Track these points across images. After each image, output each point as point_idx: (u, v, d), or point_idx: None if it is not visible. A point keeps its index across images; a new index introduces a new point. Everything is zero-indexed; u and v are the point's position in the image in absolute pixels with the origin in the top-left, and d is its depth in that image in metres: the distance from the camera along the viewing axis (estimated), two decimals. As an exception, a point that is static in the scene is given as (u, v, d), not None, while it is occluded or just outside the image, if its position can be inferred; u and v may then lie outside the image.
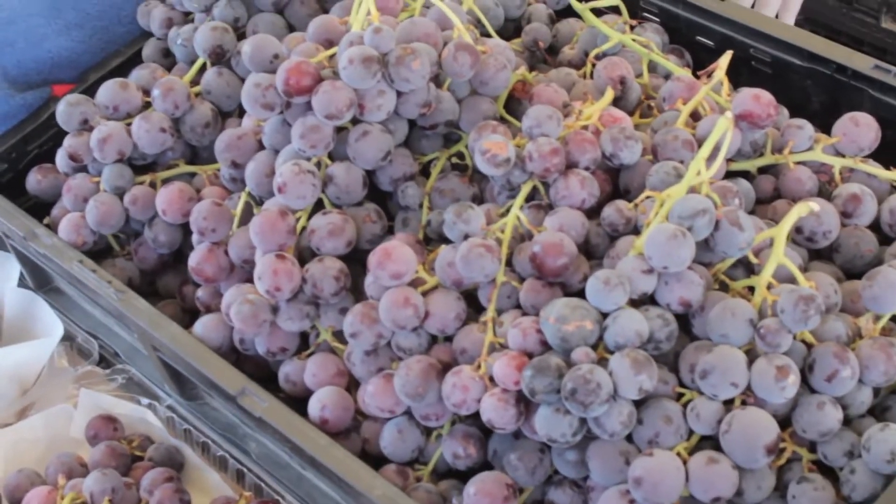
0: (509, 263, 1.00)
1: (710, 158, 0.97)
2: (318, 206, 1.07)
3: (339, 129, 1.07)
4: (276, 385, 1.08)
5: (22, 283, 1.30)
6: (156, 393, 1.19)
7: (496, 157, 1.01)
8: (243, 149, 1.13)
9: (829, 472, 0.92)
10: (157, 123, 1.18)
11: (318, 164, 1.07)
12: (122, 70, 1.30)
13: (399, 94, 1.06)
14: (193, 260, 1.12)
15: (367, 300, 1.02)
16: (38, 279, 1.29)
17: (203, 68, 1.22)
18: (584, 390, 0.87)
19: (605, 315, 0.92)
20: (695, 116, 1.08)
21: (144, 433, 1.17)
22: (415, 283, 1.00)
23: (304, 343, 1.08)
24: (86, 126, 1.21)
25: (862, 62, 1.14)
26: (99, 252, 1.22)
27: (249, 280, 1.10)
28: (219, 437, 1.14)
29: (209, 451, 1.14)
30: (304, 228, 1.06)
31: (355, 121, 1.06)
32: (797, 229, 0.99)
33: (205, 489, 1.13)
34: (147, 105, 1.21)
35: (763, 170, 1.09)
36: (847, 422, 0.92)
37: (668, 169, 0.99)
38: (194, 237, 1.14)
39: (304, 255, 1.06)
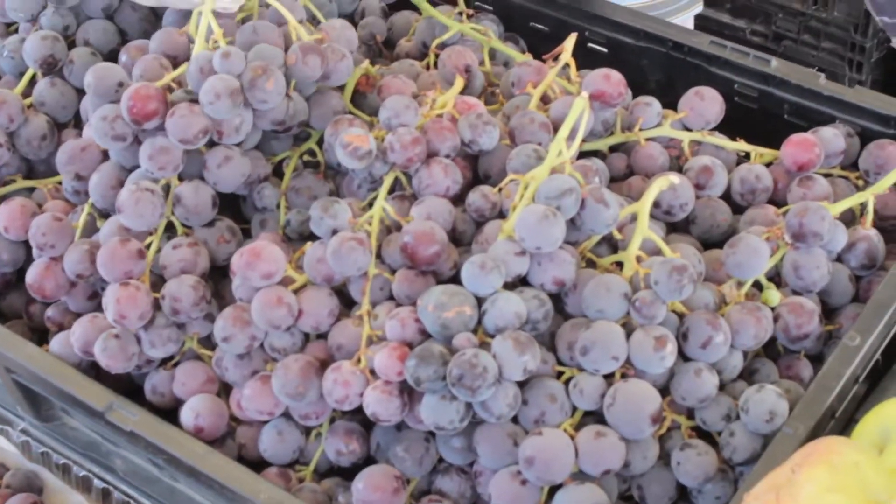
0: (379, 256, 0.99)
1: (569, 139, 0.98)
2: (171, 226, 1.05)
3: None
4: (141, 399, 1.04)
5: None
6: (7, 418, 1.13)
7: (358, 149, 1.00)
8: (87, 161, 1.09)
9: (707, 437, 0.94)
10: None
11: (167, 186, 1.04)
12: None
13: (255, 111, 1.04)
14: (31, 277, 1.08)
15: (235, 304, 0.99)
16: None
17: (33, 80, 1.18)
18: (470, 375, 0.87)
19: (481, 300, 0.92)
20: (544, 100, 1.09)
21: (-2, 460, 1.12)
22: (284, 283, 0.98)
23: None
24: None
25: (698, 39, 1.17)
26: None
27: (93, 296, 1.07)
28: (80, 456, 1.10)
29: (70, 473, 1.09)
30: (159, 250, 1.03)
31: (211, 143, 1.05)
32: (655, 204, 1.00)
33: (68, 512, 1.09)
34: None
35: (614, 148, 1.10)
36: (721, 387, 0.93)
37: (528, 152, 1.00)
38: (34, 253, 1.10)
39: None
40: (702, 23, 1.62)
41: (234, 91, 1.01)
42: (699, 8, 1.60)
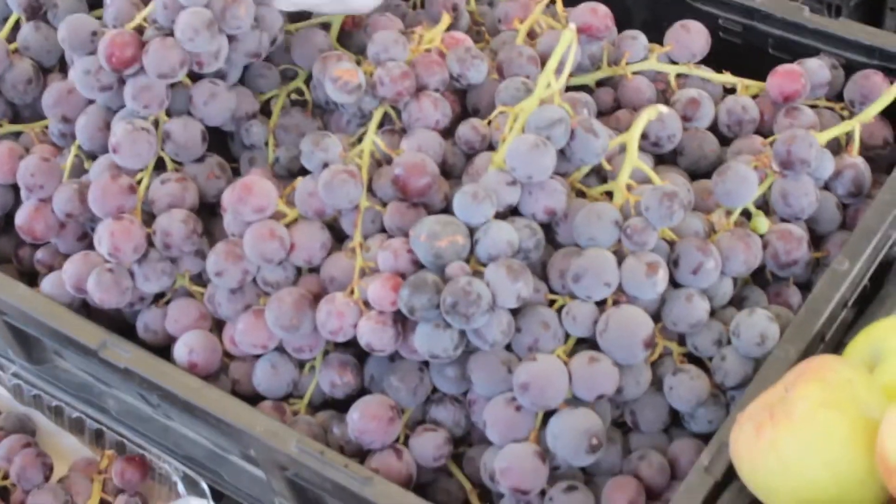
0: (370, 189, 0.99)
1: (557, 72, 0.98)
2: (161, 163, 1.05)
3: (173, 85, 1.04)
4: (133, 338, 1.04)
5: None
6: (-2, 362, 1.14)
7: (348, 84, 1.00)
8: (73, 103, 1.09)
9: (699, 363, 0.95)
10: None
11: (156, 123, 1.04)
12: None
13: (230, 38, 1.04)
14: (20, 218, 1.09)
15: (226, 240, 1.00)
16: None
17: (17, 24, 1.17)
18: (464, 302, 0.88)
19: (473, 229, 0.92)
20: (531, 35, 1.09)
21: (-9, 404, 1.13)
22: (275, 218, 0.98)
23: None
24: None
25: None
26: None
27: (83, 237, 1.08)
28: (72, 398, 1.11)
29: (63, 415, 1.11)
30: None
31: (193, 75, 1.05)
32: (643, 136, 1.00)
33: (61, 453, 1.10)
34: None
35: (601, 83, 1.10)
36: (712, 313, 0.94)
37: (517, 84, 1.01)
38: (23, 194, 1.10)
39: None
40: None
41: (210, 22, 1.01)
42: None
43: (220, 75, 1.06)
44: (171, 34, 1.02)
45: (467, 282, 0.88)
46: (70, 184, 1.06)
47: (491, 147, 1.00)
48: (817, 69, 1.08)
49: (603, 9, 1.06)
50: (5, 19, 1.18)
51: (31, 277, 1.13)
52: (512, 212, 0.95)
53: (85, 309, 1.05)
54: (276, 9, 1.06)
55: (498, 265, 0.90)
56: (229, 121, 1.07)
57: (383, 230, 0.98)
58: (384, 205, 0.99)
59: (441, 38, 1.06)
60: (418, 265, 0.93)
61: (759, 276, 1.01)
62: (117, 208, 1.01)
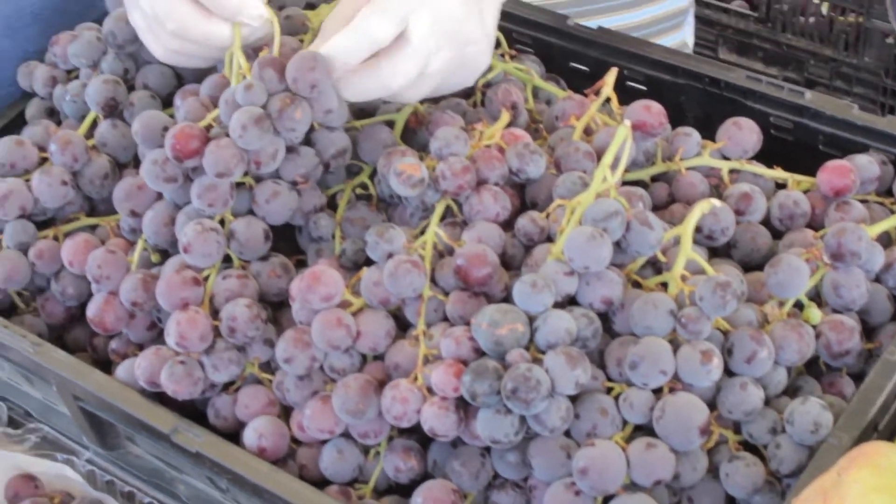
0: (433, 279, 1.02)
1: (612, 167, 1.01)
2: (228, 260, 1.09)
3: (239, 185, 1.08)
4: (204, 423, 1.07)
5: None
6: (72, 448, 1.17)
7: (411, 178, 1.04)
8: (142, 199, 1.13)
9: (754, 451, 0.96)
10: (57, 177, 1.17)
11: (222, 221, 1.08)
12: (7, 132, 1.29)
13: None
14: (91, 311, 1.11)
15: (295, 328, 1.02)
16: None
17: (95, 122, 1.22)
18: (524, 388, 0.90)
19: (532, 318, 0.95)
20: (587, 132, 1.12)
21: (65, 489, 1.14)
22: (341, 307, 1.01)
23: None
24: None
25: (734, 74, 1.20)
26: (2, 311, 1.20)
27: (152, 326, 1.11)
28: (144, 484, 1.13)
29: (135, 500, 1.12)
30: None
31: (256, 177, 1.08)
32: (697, 229, 1.03)
33: (133, 538, 1.12)
34: (44, 160, 1.20)
35: (656, 178, 1.13)
36: (766, 402, 0.96)
37: (574, 179, 1.03)
38: (93, 287, 1.13)
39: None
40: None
41: (259, 119, 1.04)
42: (682, 33, 1.65)
43: (275, 171, 1.09)
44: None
45: (527, 368, 0.91)
46: (135, 273, 1.09)
47: (549, 239, 1.02)
48: (867, 165, 1.10)
49: (657, 106, 1.09)
50: (83, 117, 1.23)
51: (106, 365, 1.15)
52: (570, 301, 0.97)
53: (157, 396, 1.07)
54: (341, 130, 1.10)
55: (556, 352, 0.92)
56: (295, 216, 1.10)
57: (445, 318, 1.00)
58: (446, 294, 1.01)
59: (500, 135, 1.09)
60: (480, 352, 0.95)
61: (813, 366, 1.02)
62: (182, 300, 1.04)
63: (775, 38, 1.80)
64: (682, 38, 1.67)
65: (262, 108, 1.05)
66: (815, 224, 1.09)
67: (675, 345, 0.94)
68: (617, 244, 0.98)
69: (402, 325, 1.03)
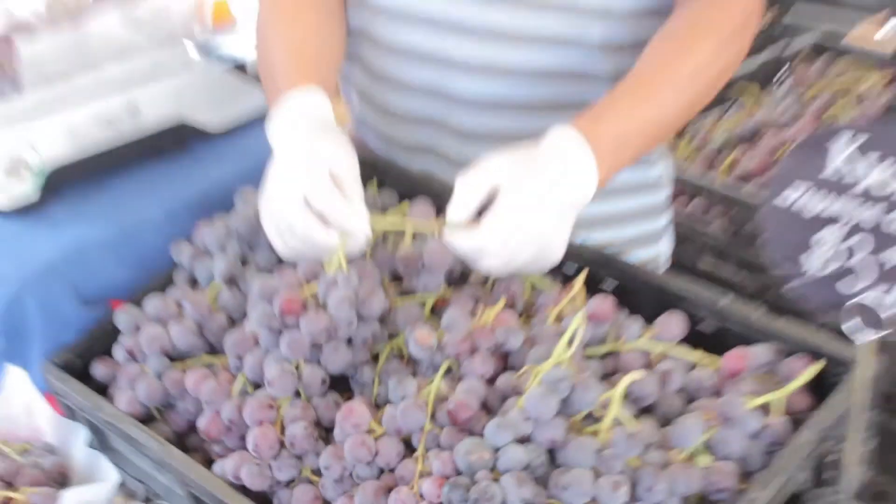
0: (432, 417, 1.13)
1: (569, 344, 1.12)
2: (297, 394, 1.20)
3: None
4: (272, 509, 1.19)
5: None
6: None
7: (424, 344, 1.17)
8: (245, 347, 1.24)
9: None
10: (188, 328, 1.30)
11: (297, 366, 1.19)
12: (161, 288, 1.41)
13: (361, 315, 1.20)
14: (201, 423, 1.23)
15: (335, 444, 1.15)
16: (101, 440, 1.37)
17: (219, 289, 1.34)
18: (484, 499, 1.02)
19: (497, 449, 1.06)
20: (559, 318, 1.23)
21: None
22: (368, 432, 1.13)
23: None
24: (137, 329, 1.33)
25: (673, 282, 1.29)
26: (143, 419, 1.30)
27: (242, 438, 1.20)
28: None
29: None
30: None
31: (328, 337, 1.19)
32: (627, 393, 1.12)
33: None
34: (180, 314, 1.32)
35: (605, 354, 1.22)
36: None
37: (541, 352, 1.15)
38: (204, 407, 1.24)
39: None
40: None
41: (351, 300, 1.18)
42: (657, 247, 1.68)
43: (349, 336, 1.21)
44: (325, 307, 1.18)
45: (487, 485, 1.03)
46: (233, 400, 1.21)
47: (520, 393, 1.13)
48: (760, 353, 1.18)
49: (610, 302, 1.20)
50: (210, 282, 1.36)
51: (210, 462, 1.25)
52: (526, 439, 1.08)
53: (241, 487, 1.19)
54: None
55: (511, 475, 1.04)
56: (349, 367, 1.21)
57: (439, 445, 1.11)
58: (441, 428, 1.12)
59: (495, 317, 1.21)
60: (458, 471, 1.07)
61: (703, 500, 1.09)
62: (260, 420, 1.17)
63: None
64: (657, 251, 1.72)
65: (353, 291, 1.18)
66: (720, 393, 1.17)
67: (597, 475, 1.05)
68: (565, 399, 1.09)
69: (410, 448, 1.14)
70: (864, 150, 1.04)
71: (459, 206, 1.21)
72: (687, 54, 1.32)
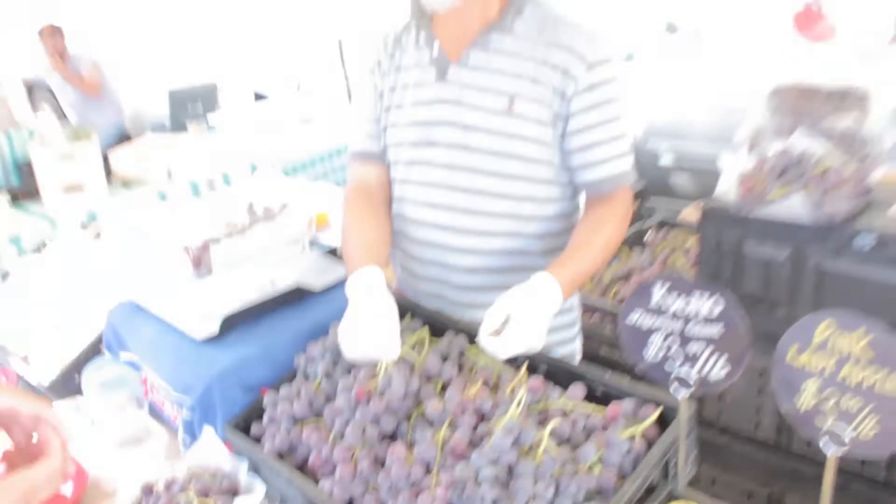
0: (442, 451, 1.13)
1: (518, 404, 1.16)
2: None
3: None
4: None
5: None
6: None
7: (436, 410, 1.21)
8: (336, 415, 1.23)
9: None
10: (304, 403, 1.30)
11: (365, 428, 1.19)
12: (289, 381, 1.38)
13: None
14: (311, 459, 1.20)
15: (386, 470, 1.15)
16: (255, 469, 1.28)
17: (321, 381, 1.35)
18: (471, 499, 1.05)
19: (478, 469, 1.08)
20: (513, 389, 1.24)
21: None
22: (406, 461, 1.15)
23: None
24: (275, 405, 1.29)
25: (586, 370, 1.28)
26: (279, 457, 1.27)
27: (334, 467, 1.18)
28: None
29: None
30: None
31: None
32: (553, 432, 1.14)
33: None
34: (299, 396, 1.31)
35: (541, 410, 1.22)
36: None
37: (502, 411, 1.18)
38: (313, 450, 1.23)
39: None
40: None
41: (399, 395, 1.22)
42: (572, 345, 1.58)
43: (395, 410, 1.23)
44: (382, 395, 1.20)
45: (473, 490, 1.05)
46: (328, 445, 1.19)
47: (490, 435, 1.15)
48: (627, 405, 1.18)
49: (541, 379, 1.22)
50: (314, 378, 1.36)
51: (317, 482, 1.25)
52: (495, 462, 1.09)
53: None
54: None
55: (486, 483, 1.06)
56: (395, 425, 1.22)
57: (445, 467, 1.12)
58: (447, 457, 1.13)
59: (476, 391, 1.23)
60: (456, 483, 1.08)
61: (598, 493, 1.08)
62: (344, 458, 1.18)
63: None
64: (573, 348, 1.67)
65: (396, 388, 1.21)
66: (606, 429, 1.16)
67: (535, 481, 1.07)
68: (517, 439, 1.12)
69: (429, 469, 1.14)
70: (669, 290, 1.12)
71: (488, 326, 1.25)
72: (601, 231, 1.41)
